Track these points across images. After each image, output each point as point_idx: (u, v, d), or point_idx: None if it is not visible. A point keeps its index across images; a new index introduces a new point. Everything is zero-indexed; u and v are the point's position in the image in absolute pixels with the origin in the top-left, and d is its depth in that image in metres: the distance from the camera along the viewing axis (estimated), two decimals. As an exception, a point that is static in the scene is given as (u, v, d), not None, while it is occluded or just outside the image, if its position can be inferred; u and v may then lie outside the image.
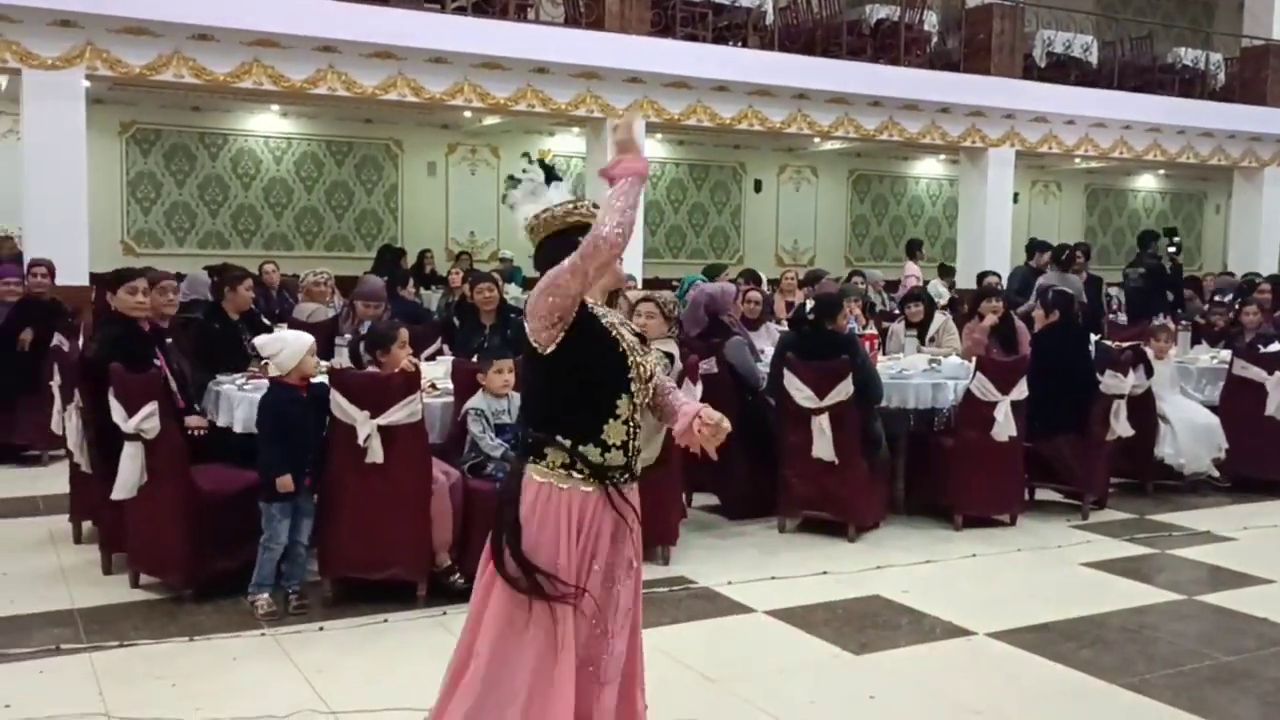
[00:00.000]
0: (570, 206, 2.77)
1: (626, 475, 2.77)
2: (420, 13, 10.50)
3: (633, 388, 2.75)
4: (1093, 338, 7.70)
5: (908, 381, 6.47)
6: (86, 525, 5.60)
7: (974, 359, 6.66)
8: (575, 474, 2.69)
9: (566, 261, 2.60)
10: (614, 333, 2.74)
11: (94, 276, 9.18)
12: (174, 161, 13.28)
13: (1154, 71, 15.37)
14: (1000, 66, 13.51)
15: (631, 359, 2.75)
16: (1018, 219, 15.47)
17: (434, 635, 4.45)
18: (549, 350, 2.66)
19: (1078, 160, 16.23)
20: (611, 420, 2.71)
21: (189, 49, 9.51)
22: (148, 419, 4.73)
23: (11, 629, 4.43)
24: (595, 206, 2.75)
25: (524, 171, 2.83)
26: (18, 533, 5.85)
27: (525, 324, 2.70)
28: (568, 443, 2.68)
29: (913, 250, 13.68)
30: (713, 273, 10.09)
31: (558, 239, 2.74)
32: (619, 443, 2.73)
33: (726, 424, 2.86)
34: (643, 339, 2.88)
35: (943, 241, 18.15)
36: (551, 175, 2.81)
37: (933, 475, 6.47)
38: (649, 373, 2.79)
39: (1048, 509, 6.82)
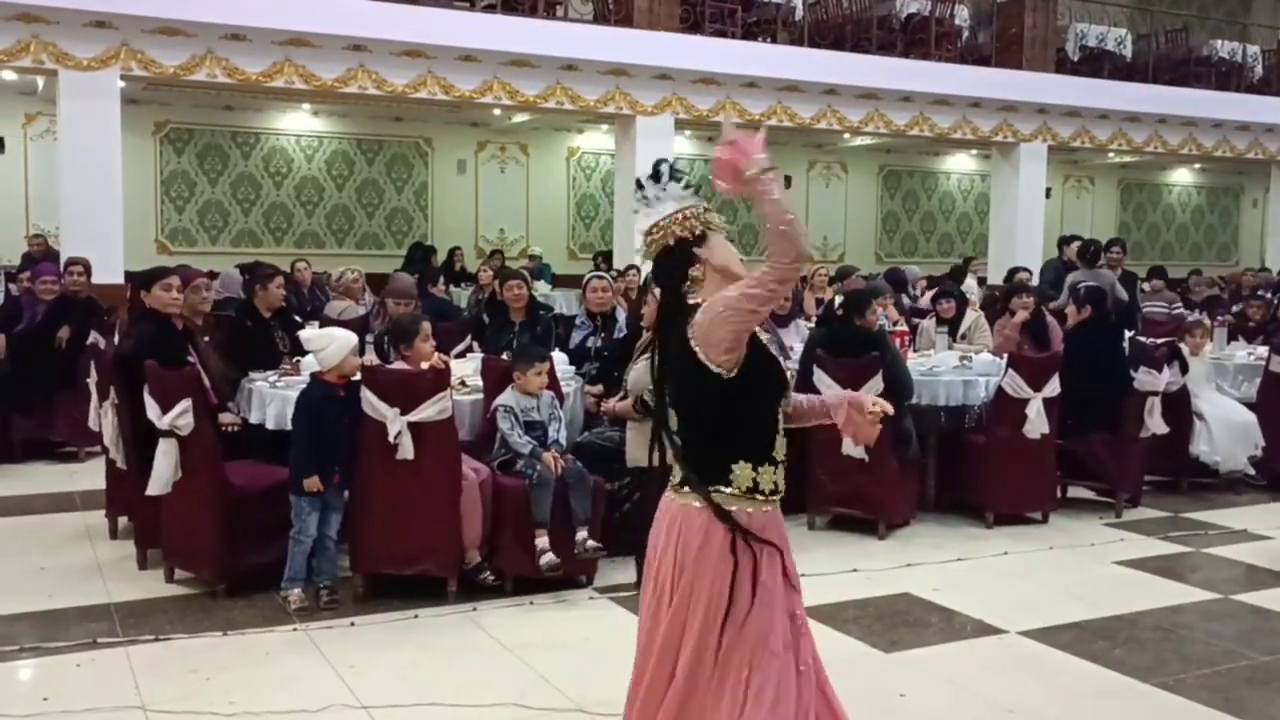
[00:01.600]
0: (677, 217, 2.64)
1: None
2: (450, 11, 10.55)
3: (786, 396, 2.66)
4: (1127, 334, 7.62)
5: (938, 378, 6.44)
6: (122, 521, 5.66)
7: (1005, 356, 6.61)
8: (757, 497, 2.59)
9: (755, 286, 2.45)
10: (767, 344, 2.62)
11: (128, 275, 9.28)
12: (207, 160, 13.41)
13: (1189, 64, 15.18)
14: (1033, 61, 13.39)
15: (783, 367, 2.65)
16: (1050, 214, 15.34)
17: (464, 631, 4.48)
18: (733, 373, 2.52)
19: (1111, 155, 16.07)
20: (778, 437, 2.63)
21: (221, 49, 9.60)
22: (182, 415, 4.77)
23: (50, 623, 4.49)
24: (705, 211, 2.67)
25: (641, 187, 2.70)
26: (55, 528, 5.92)
27: (694, 350, 2.51)
28: (748, 466, 2.57)
29: (965, 268, 13.41)
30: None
31: (668, 257, 2.64)
32: (783, 458, 2.64)
33: (882, 405, 2.75)
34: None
35: (974, 237, 18.03)
36: (670, 175, 2.68)
37: (964, 473, 6.43)
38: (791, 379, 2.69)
39: (1081, 507, 6.76)
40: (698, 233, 2.64)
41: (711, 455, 2.58)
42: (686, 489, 2.60)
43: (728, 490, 2.56)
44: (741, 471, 2.56)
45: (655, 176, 2.68)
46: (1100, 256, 10.31)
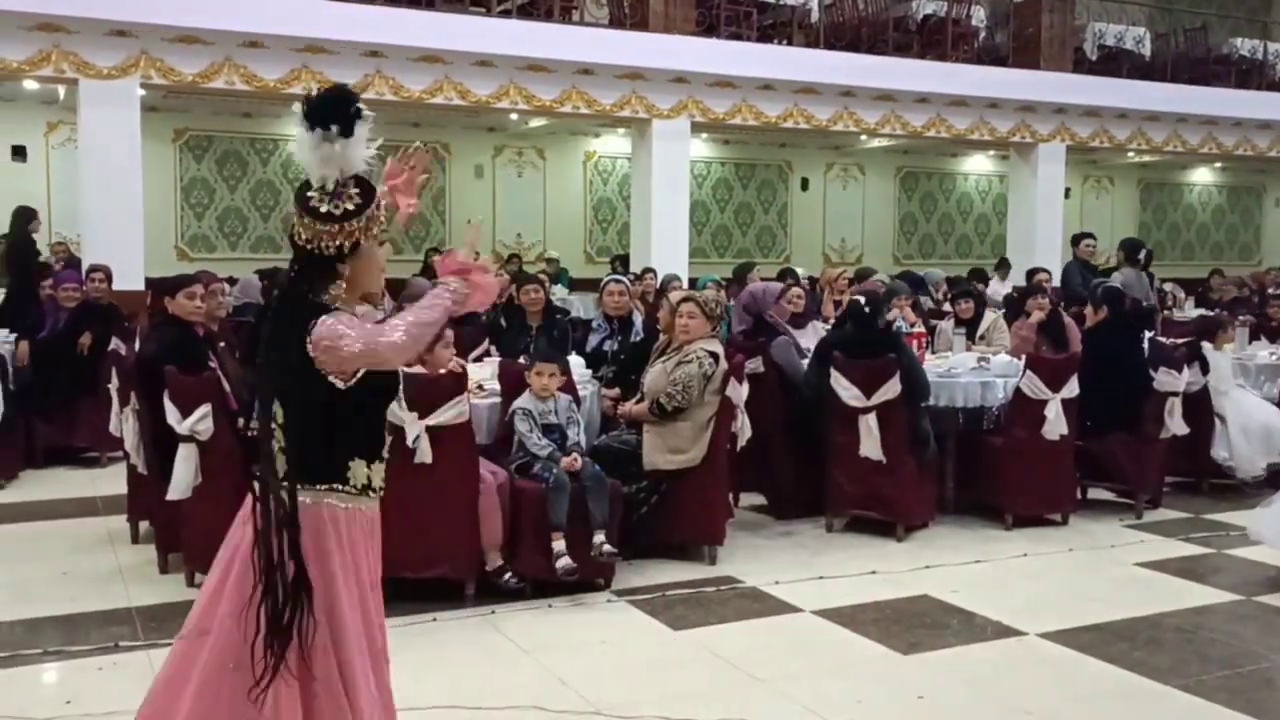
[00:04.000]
0: (348, 228, 2.48)
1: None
2: (466, 16, 10.59)
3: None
4: (1146, 334, 7.57)
5: (956, 380, 6.42)
6: (144, 525, 5.70)
7: (1023, 357, 6.59)
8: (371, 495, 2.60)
9: (341, 339, 2.39)
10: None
11: (149, 281, 9.35)
12: (226, 167, 13.49)
13: (1209, 63, 15.08)
14: (1050, 60, 13.34)
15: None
16: (1069, 215, 15.26)
17: (482, 633, 4.50)
18: (351, 384, 2.49)
19: (1130, 155, 15.98)
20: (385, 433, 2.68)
21: (240, 56, 9.67)
22: (202, 421, 4.81)
23: (72, 627, 4.53)
24: (377, 210, 2.54)
25: (308, 113, 2.49)
26: (78, 532, 5.97)
27: (312, 358, 2.44)
28: (362, 464, 2.57)
29: (1002, 269, 13.26)
30: (741, 273, 10.09)
31: (315, 257, 2.49)
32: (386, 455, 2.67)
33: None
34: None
35: (992, 238, 17.94)
36: (345, 118, 2.47)
37: (982, 474, 6.41)
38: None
39: (1100, 508, 6.72)
40: (354, 242, 2.50)
41: (319, 450, 2.53)
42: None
43: (343, 488, 2.55)
44: (356, 469, 2.56)
45: (342, 126, 2.47)
46: (1140, 255, 10.18)
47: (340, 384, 2.47)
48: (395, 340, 2.41)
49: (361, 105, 2.53)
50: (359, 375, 2.48)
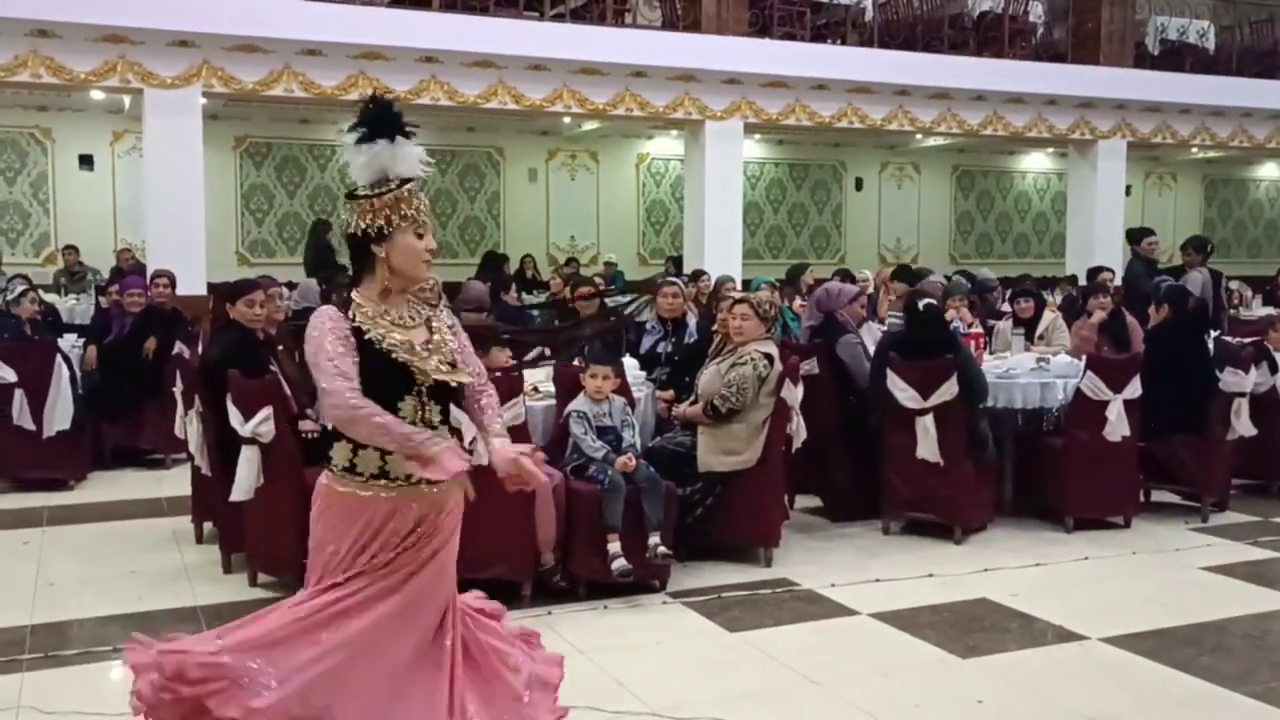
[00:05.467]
0: (400, 198, 2.69)
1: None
2: (520, 21, 10.65)
3: (416, 390, 2.72)
4: (1212, 334, 7.42)
5: (1014, 381, 6.34)
6: (207, 525, 5.81)
7: (1084, 357, 6.49)
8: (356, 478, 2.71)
9: (317, 357, 2.62)
10: (388, 348, 2.68)
11: (210, 286, 9.53)
12: (285, 173, 13.71)
13: (1275, 56, 14.72)
14: (1110, 56, 13.11)
15: (417, 368, 2.71)
16: (1130, 212, 14.98)
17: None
18: None
19: (1194, 151, 15.66)
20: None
21: (298, 64, 9.81)
22: (263, 423, 4.89)
23: (140, 624, 4.60)
24: (411, 195, 2.69)
25: (349, 129, 2.74)
26: (144, 532, 6.10)
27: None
28: (349, 445, 2.69)
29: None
30: (794, 274, 10.03)
31: (354, 244, 2.74)
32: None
33: (535, 477, 2.94)
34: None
35: (1051, 237, 17.70)
36: (388, 125, 2.70)
37: (1042, 476, 6.32)
38: (430, 377, 2.72)
39: (1164, 511, 6.60)
40: (384, 222, 2.67)
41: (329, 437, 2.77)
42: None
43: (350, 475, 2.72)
44: (338, 450, 2.72)
45: (391, 130, 2.69)
46: (1210, 253, 9.95)
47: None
48: (335, 402, 2.58)
49: (401, 115, 2.73)
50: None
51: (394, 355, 2.66)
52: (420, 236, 2.70)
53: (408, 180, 2.68)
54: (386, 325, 2.69)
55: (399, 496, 2.70)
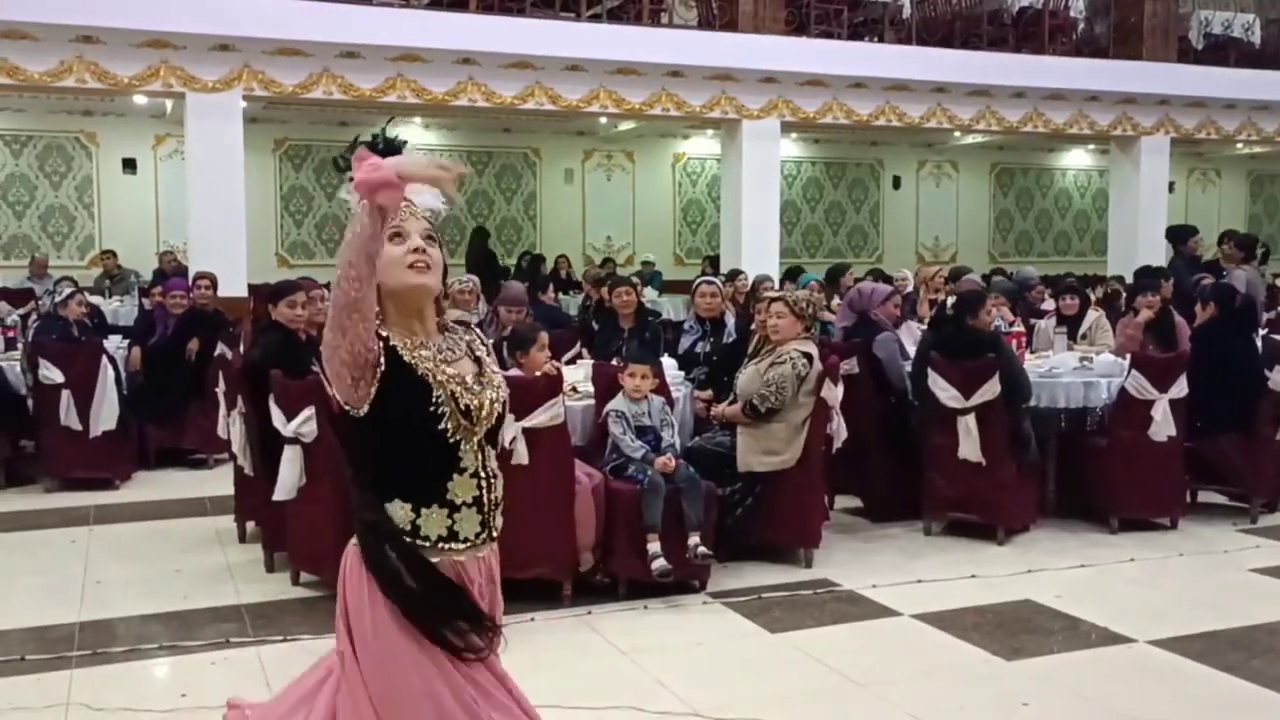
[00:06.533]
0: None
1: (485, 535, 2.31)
2: (556, 21, 10.67)
3: (462, 430, 2.23)
4: (1260, 332, 7.29)
5: (1057, 380, 6.27)
6: (250, 525, 5.86)
7: (1128, 356, 6.40)
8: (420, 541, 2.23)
9: (328, 318, 2.11)
10: (422, 373, 2.20)
11: (251, 288, 9.63)
12: (324, 175, 13.82)
13: (1324, 48, 14.49)
14: (1153, 50, 12.93)
15: (458, 400, 2.22)
16: (1174, 209, 14.78)
17: (580, 634, 4.52)
18: (364, 410, 2.17)
19: (1239, 146, 15.42)
20: (456, 475, 2.24)
21: (337, 67, 9.89)
22: (306, 423, 4.93)
23: (185, 623, 4.68)
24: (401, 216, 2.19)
25: (346, 157, 2.21)
26: (188, 532, 6.17)
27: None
28: (408, 507, 2.21)
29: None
30: (835, 274, 9.97)
31: None
32: (470, 499, 2.25)
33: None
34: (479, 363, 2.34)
35: (1092, 235, 17.52)
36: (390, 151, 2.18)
37: (1086, 476, 6.24)
38: (485, 409, 2.26)
39: (1212, 512, 6.50)
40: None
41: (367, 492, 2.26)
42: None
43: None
44: (394, 511, 2.22)
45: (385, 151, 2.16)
46: (1262, 255, 9.79)
47: (354, 411, 2.18)
48: (338, 284, 2.05)
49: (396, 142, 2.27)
50: (372, 400, 2.16)
51: (448, 393, 2.21)
52: (400, 240, 2.20)
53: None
54: (431, 359, 2.23)
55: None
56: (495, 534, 2.34)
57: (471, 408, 2.23)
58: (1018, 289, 8.48)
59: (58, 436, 7.02)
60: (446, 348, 2.28)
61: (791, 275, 10.16)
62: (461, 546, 2.26)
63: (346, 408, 2.19)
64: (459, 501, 2.24)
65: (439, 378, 2.20)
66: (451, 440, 2.22)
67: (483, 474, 2.27)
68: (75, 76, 9.22)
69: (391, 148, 2.20)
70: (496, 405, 2.30)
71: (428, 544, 2.22)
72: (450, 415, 2.21)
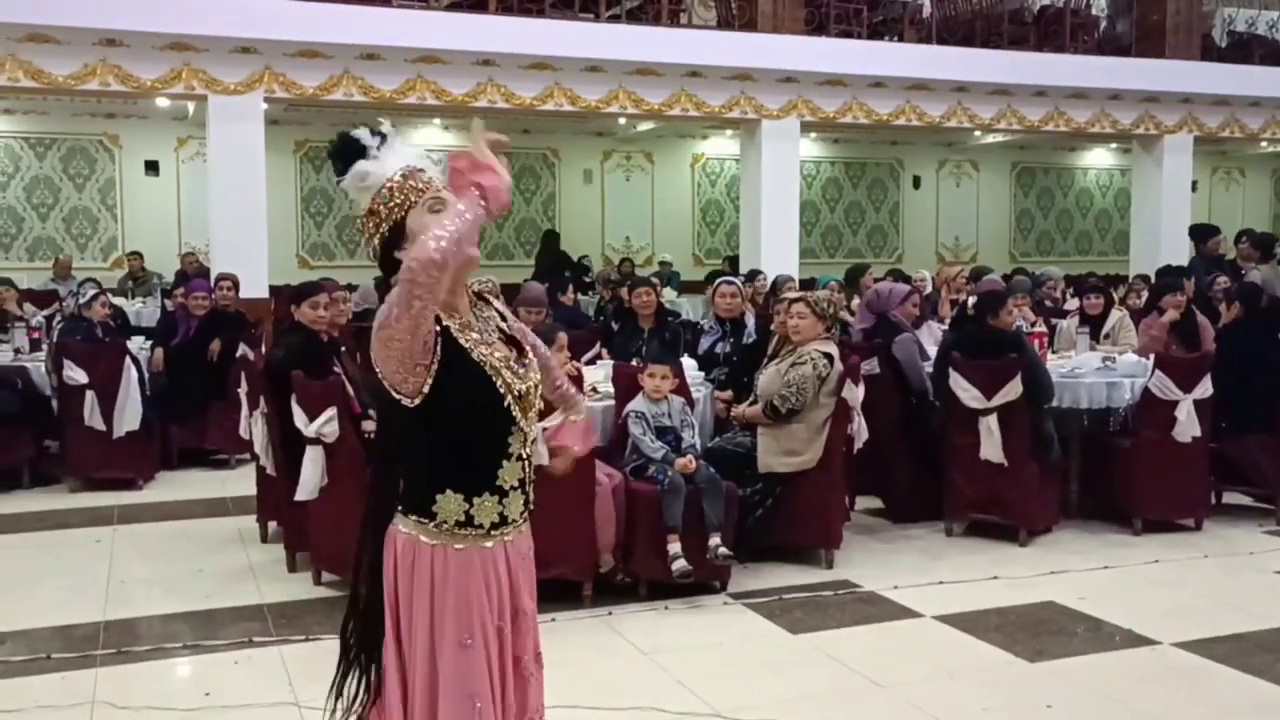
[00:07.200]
0: (395, 187, 2.23)
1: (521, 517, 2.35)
2: (575, 22, 10.68)
3: (515, 417, 2.26)
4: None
5: (1080, 380, 6.23)
6: (272, 525, 5.89)
7: (1152, 356, 6.35)
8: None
9: (391, 294, 2.09)
10: (479, 359, 2.21)
11: (272, 289, 9.67)
12: (344, 177, 13.85)
13: (1348, 46, 14.34)
14: (1176, 48, 12.83)
15: (512, 388, 2.24)
16: (1196, 208, 14.67)
17: (600, 635, 4.52)
18: (417, 402, 2.18)
19: (1263, 145, 15.29)
20: (505, 462, 2.27)
21: (357, 69, 9.92)
22: (327, 423, 4.95)
23: (209, 622, 4.70)
24: (440, 190, 2.25)
25: (334, 148, 2.30)
26: (210, 532, 6.20)
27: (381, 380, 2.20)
28: (459, 498, 2.23)
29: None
30: (855, 274, 9.95)
31: (382, 260, 2.27)
32: (516, 483, 2.29)
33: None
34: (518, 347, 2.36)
35: (1114, 234, 17.40)
36: (356, 150, 2.29)
37: (1109, 477, 6.20)
38: (525, 391, 2.27)
39: (1237, 513, 6.45)
40: (394, 224, 2.24)
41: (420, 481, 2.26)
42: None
43: (430, 523, 2.24)
44: (445, 503, 2.23)
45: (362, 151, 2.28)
46: (1274, 249, 9.72)
47: (407, 402, 2.18)
48: (430, 251, 2.01)
49: (357, 138, 2.32)
50: (426, 393, 2.16)
51: (504, 380, 2.23)
52: (436, 212, 2.21)
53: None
54: (480, 342, 2.24)
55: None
56: (532, 508, 2.39)
57: (522, 393, 2.26)
58: (1031, 285, 8.44)
59: (82, 437, 7.07)
60: (481, 327, 2.29)
61: (808, 287, 10.11)
62: (510, 529, 2.32)
63: (399, 398, 2.18)
64: (507, 486, 2.28)
65: (494, 364, 2.22)
66: (512, 428, 2.26)
67: (524, 456, 2.31)
68: (98, 79, 9.28)
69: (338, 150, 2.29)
70: (539, 389, 2.34)
71: (481, 532, 2.26)
72: (511, 403, 2.24)
